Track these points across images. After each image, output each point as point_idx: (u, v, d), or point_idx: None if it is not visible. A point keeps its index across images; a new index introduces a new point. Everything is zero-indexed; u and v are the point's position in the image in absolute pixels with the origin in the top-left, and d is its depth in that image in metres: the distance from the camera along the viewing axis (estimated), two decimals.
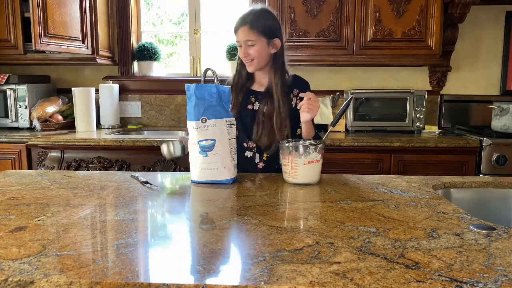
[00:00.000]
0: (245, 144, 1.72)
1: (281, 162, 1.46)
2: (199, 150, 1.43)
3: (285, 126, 1.65)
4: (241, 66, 1.74)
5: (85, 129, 2.76)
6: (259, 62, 1.67)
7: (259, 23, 1.64)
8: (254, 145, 1.71)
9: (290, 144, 1.43)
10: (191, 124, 1.43)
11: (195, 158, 1.44)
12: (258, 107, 1.71)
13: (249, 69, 1.69)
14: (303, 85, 1.72)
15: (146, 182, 1.40)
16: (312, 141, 1.46)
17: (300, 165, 1.39)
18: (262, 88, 1.73)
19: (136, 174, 1.52)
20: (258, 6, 1.71)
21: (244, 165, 1.72)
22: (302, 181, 1.41)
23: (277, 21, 1.71)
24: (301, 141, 1.47)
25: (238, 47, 1.69)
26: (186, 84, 1.45)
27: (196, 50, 3.24)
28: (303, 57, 2.73)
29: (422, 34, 2.66)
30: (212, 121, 1.41)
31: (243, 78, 1.75)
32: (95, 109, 2.82)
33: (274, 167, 1.67)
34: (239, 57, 1.73)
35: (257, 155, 1.72)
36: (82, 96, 2.75)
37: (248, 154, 1.73)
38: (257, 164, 1.72)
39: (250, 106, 1.72)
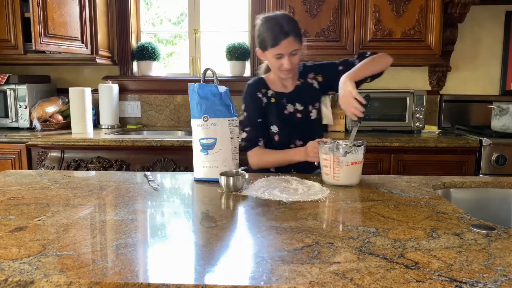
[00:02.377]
0: (292, 146, 1.71)
1: (316, 164, 1.45)
2: (200, 148, 1.44)
3: (316, 110, 1.74)
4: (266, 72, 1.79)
5: (79, 130, 2.72)
6: (296, 69, 1.69)
7: (297, 30, 1.60)
8: (302, 142, 1.70)
9: (332, 144, 1.39)
10: (194, 122, 1.46)
11: (197, 156, 1.46)
12: (293, 109, 1.72)
13: (288, 76, 1.68)
14: (314, 65, 1.77)
15: (152, 181, 1.42)
16: (353, 141, 1.40)
17: (343, 167, 1.36)
18: (286, 89, 1.74)
19: (148, 173, 1.54)
20: (279, 13, 1.63)
21: (299, 166, 1.66)
22: (344, 182, 1.38)
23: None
24: (342, 142, 1.42)
25: (273, 60, 1.62)
26: (190, 83, 1.47)
27: (195, 50, 3.24)
28: (302, 57, 2.72)
29: (421, 34, 2.66)
30: (214, 120, 1.42)
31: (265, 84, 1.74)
32: (91, 109, 2.80)
33: None
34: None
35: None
36: (77, 96, 2.73)
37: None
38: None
39: (286, 111, 1.71)
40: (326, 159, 1.40)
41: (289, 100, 1.72)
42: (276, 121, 1.71)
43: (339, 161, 1.36)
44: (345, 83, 1.48)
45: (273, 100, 1.72)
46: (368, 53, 1.69)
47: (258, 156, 1.70)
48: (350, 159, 1.36)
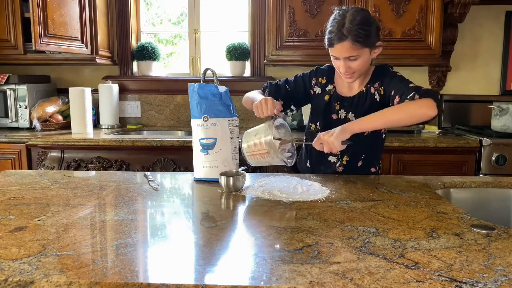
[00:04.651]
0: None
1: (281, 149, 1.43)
2: (200, 148, 1.44)
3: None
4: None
5: (79, 130, 2.72)
6: (360, 74, 1.50)
7: (362, 34, 1.38)
8: (339, 152, 1.56)
9: (288, 155, 1.45)
10: (194, 122, 1.46)
11: (197, 156, 1.46)
12: (345, 116, 1.56)
13: (349, 81, 1.51)
14: (383, 74, 1.53)
15: (152, 181, 1.41)
16: (289, 157, 1.46)
17: (261, 159, 1.42)
18: (350, 91, 1.58)
19: (148, 173, 1.54)
20: (350, 9, 1.42)
21: (324, 169, 1.63)
22: (250, 163, 1.45)
23: (376, 22, 1.47)
24: (288, 159, 1.44)
25: (333, 58, 1.49)
26: (190, 83, 1.47)
27: (195, 50, 3.24)
28: (303, 57, 2.73)
29: (422, 34, 2.66)
30: (214, 120, 1.42)
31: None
32: (91, 109, 2.80)
33: (351, 167, 1.59)
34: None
35: (340, 160, 1.61)
36: (77, 96, 2.73)
37: (332, 159, 1.62)
38: (336, 168, 1.61)
39: (334, 116, 1.58)
40: (262, 144, 1.37)
41: (344, 106, 1.56)
42: (321, 120, 1.60)
43: (269, 159, 1.40)
44: (342, 130, 1.35)
45: (326, 97, 1.59)
46: (416, 96, 1.35)
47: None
48: (267, 160, 1.42)
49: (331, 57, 1.50)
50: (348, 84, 1.58)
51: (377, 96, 1.52)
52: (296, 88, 1.66)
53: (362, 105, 1.54)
